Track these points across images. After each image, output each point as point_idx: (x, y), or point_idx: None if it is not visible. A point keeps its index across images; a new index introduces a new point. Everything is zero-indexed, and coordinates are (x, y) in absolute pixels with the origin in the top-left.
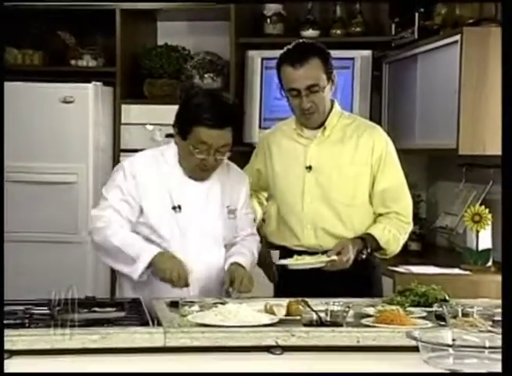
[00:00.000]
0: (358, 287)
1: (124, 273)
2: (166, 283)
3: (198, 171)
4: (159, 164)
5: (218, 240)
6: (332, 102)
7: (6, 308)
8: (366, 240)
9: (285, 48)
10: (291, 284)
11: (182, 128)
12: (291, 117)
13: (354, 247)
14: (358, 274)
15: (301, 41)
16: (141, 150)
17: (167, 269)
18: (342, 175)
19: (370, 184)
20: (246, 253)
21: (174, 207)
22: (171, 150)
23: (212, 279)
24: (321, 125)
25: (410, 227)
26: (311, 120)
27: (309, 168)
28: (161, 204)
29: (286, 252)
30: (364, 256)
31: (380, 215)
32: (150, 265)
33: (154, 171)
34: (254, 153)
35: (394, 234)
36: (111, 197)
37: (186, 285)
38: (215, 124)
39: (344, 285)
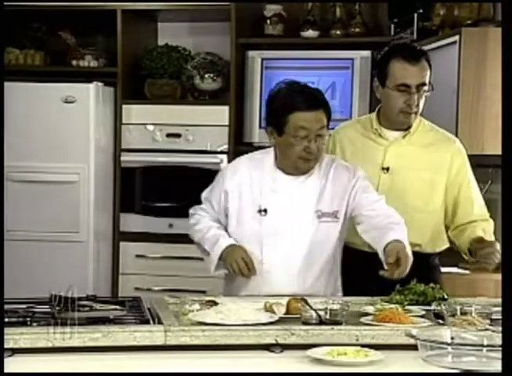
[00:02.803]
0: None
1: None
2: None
3: (301, 163)
4: (255, 168)
5: (302, 245)
6: None
7: (8, 306)
8: None
9: (393, 45)
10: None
11: (277, 123)
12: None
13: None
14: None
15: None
16: (141, 149)
17: (232, 262)
18: (419, 178)
19: (444, 192)
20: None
21: (260, 211)
22: (270, 155)
23: (294, 287)
24: (405, 128)
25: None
26: (409, 119)
27: (386, 169)
28: (247, 207)
29: (351, 252)
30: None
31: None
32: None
33: (248, 175)
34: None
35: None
36: (204, 197)
37: (251, 274)
38: (309, 105)
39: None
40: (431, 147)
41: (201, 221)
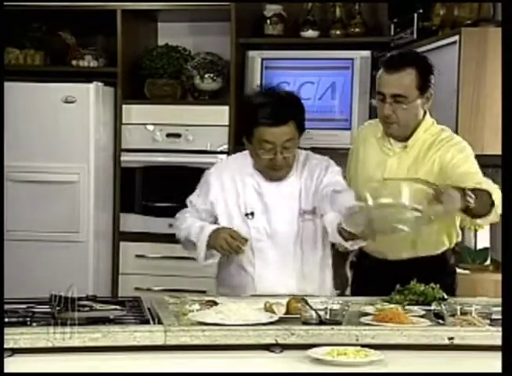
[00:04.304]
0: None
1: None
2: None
3: (270, 172)
4: (239, 171)
5: (290, 245)
6: (424, 114)
7: (8, 306)
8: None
9: (390, 53)
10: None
11: (246, 133)
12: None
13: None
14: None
15: (407, 49)
16: (141, 149)
17: (221, 242)
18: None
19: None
20: None
21: (246, 214)
22: (248, 156)
23: (287, 287)
24: (406, 138)
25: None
26: (391, 130)
27: (386, 180)
28: (235, 212)
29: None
30: (472, 202)
31: None
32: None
33: (232, 179)
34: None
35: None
36: (190, 201)
37: (240, 251)
38: (274, 121)
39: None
40: (427, 157)
41: (187, 220)
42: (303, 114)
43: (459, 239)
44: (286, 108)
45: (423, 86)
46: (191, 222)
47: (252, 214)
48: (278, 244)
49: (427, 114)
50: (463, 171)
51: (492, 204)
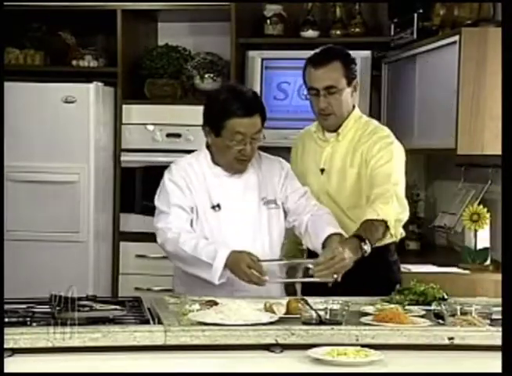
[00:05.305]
0: (380, 288)
1: (204, 279)
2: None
3: (236, 164)
4: (195, 169)
5: (261, 232)
6: (353, 107)
7: (8, 306)
8: (361, 235)
9: (313, 52)
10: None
11: (215, 126)
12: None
13: (345, 247)
14: (381, 275)
15: (329, 46)
16: (141, 149)
17: (241, 274)
18: (349, 177)
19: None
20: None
21: (213, 207)
22: (202, 154)
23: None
24: (339, 129)
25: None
26: (328, 121)
27: (322, 170)
28: (202, 206)
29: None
30: (368, 250)
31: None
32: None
33: (193, 176)
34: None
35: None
36: (170, 207)
37: (262, 281)
38: (245, 112)
39: (366, 286)
40: (358, 145)
41: (182, 234)
42: (265, 109)
43: (404, 235)
44: (254, 101)
45: (350, 75)
46: (194, 239)
47: (219, 205)
48: (250, 232)
49: (356, 107)
50: (381, 172)
51: (387, 228)
